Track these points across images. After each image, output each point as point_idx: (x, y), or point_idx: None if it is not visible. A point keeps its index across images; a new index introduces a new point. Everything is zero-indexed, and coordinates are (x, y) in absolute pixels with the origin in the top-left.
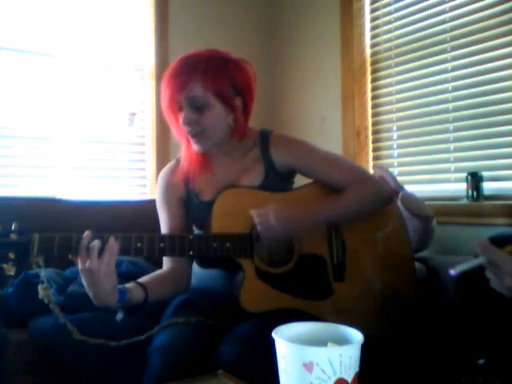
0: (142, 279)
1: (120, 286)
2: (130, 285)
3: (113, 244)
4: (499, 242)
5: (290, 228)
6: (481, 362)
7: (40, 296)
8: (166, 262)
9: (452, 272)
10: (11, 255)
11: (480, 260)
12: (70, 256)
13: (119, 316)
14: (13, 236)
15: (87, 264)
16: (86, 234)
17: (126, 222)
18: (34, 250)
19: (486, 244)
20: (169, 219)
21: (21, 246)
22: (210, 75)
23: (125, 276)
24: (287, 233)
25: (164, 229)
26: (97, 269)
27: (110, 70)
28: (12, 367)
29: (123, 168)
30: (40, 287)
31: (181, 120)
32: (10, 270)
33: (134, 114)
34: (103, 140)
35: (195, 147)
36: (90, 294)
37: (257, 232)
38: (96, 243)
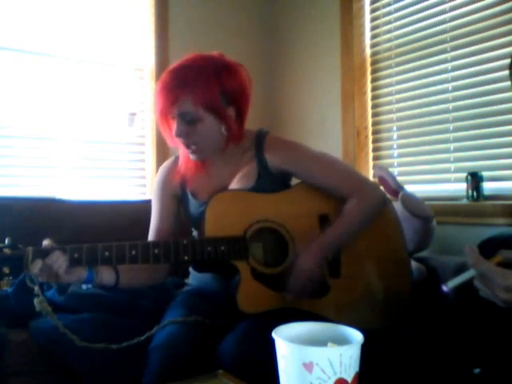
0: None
1: (92, 269)
2: (103, 268)
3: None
4: (490, 248)
5: (313, 271)
6: (476, 371)
7: (37, 309)
8: None
9: (445, 288)
10: (6, 270)
11: (471, 273)
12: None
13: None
14: (6, 251)
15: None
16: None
17: (125, 222)
18: (28, 264)
19: (476, 257)
20: (159, 213)
21: (15, 260)
22: (200, 89)
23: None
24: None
25: (154, 220)
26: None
27: (110, 69)
28: (12, 367)
29: (123, 168)
30: (36, 301)
31: (173, 132)
32: (6, 285)
33: (133, 114)
34: (103, 140)
35: (191, 157)
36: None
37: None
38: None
